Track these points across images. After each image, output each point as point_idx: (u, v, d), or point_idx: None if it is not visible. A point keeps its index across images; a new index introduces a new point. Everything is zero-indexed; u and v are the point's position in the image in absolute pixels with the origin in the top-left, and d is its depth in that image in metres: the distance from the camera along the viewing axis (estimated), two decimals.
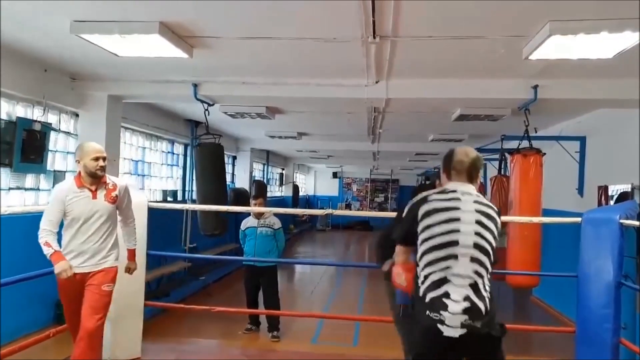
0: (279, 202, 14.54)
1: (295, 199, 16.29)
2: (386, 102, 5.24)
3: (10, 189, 4.53)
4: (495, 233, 2.27)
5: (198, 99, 5.07)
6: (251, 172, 11.23)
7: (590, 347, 3.24)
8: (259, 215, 5.16)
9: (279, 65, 4.41)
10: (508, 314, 6.74)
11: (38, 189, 4.90)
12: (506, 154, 6.06)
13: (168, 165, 7.91)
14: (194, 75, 4.82)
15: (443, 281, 2.14)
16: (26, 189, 4.73)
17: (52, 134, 4.85)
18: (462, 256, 2.15)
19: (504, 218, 4.98)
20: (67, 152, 5.29)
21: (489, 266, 2.21)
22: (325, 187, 21.09)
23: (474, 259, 2.16)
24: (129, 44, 3.56)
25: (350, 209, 19.94)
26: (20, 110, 4.56)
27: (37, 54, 4.21)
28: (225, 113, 6.16)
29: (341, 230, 18.49)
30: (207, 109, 5.33)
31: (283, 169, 16.29)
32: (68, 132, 5.26)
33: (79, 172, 3.12)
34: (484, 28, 3.29)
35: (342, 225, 18.91)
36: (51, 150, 4.95)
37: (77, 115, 5.26)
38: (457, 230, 2.16)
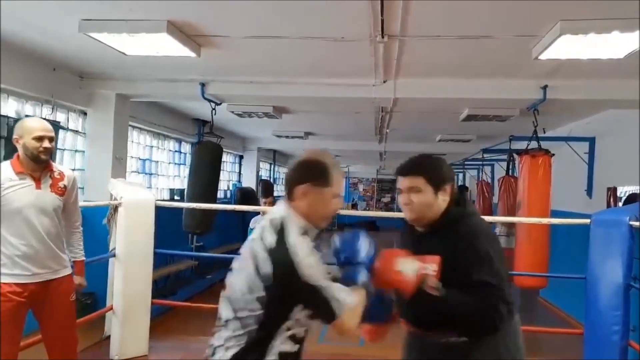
0: None
1: None
2: (394, 102, 5.23)
3: None
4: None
5: (205, 98, 5.09)
6: (258, 172, 11.24)
7: (599, 349, 3.21)
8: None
9: (287, 64, 4.41)
10: None
11: None
12: (514, 155, 6.02)
13: (175, 164, 7.94)
14: (202, 74, 4.83)
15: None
16: None
17: (61, 133, 4.87)
18: None
19: (512, 219, 5.02)
20: (76, 151, 5.31)
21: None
22: None
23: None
24: (137, 43, 3.57)
25: (357, 209, 19.91)
26: (29, 109, 4.59)
27: (46, 53, 4.23)
28: (233, 112, 6.17)
29: (347, 230, 18.50)
30: (214, 109, 5.34)
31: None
32: (76, 131, 5.29)
33: (17, 155, 2.47)
34: (493, 28, 3.27)
35: (348, 225, 18.89)
36: (60, 149, 4.98)
37: (85, 113, 5.29)
38: None
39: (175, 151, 7.94)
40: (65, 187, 2.60)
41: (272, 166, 13.75)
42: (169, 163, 7.73)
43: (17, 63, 4.13)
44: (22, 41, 3.91)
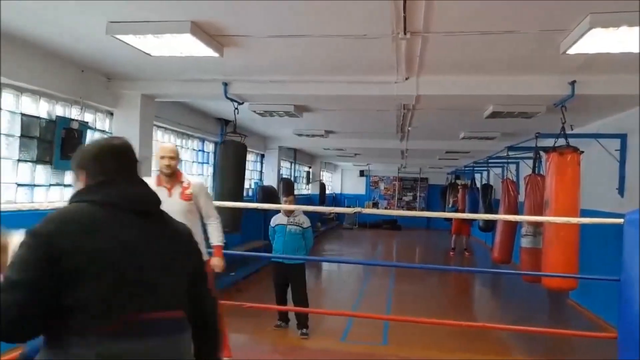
0: (306, 200, 14.57)
1: (322, 197, 16.30)
2: (416, 99, 5.17)
3: (50, 185, 4.66)
4: None
5: (228, 98, 5.12)
6: (279, 170, 11.28)
7: (635, 354, 3.11)
8: (288, 213, 5.17)
9: (308, 63, 4.40)
10: (543, 318, 6.59)
11: (75, 186, 5.03)
12: (541, 153, 5.90)
13: (199, 163, 8.02)
14: (224, 74, 4.86)
15: None
16: (65, 185, 4.86)
17: (89, 132, 4.97)
18: None
19: (540, 218, 4.91)
20: None
21: None
22: (352, 186, 21.02)
23: None
24: (162, 44, 3.61)
25: (378, 208, 19.84)
26: (59, 110, 4.70)
27: (75, 55, 4.32)
28: (254, 111, 6.19)
29: (368, 228, 18.38)
30: (236, 108, 5.37)
31: (310, 167, 16.32)
32: (103, 131, 5.39)
33: (160, 171, 3.35)
34: (519, 22, 3.20)
35: (369, 224, 18.79)
36: None
37: (111, 114, 5.38)
38: None
39: (199, 150, 8.02)
40: (191, 193, 3.32)
41: (293, 165, 13.79)
42: (193, 162, 7.81)
43: (48, 65, 4.23)
44: (53, 44, 3.99)
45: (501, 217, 6.66)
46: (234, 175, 5.56)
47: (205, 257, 3.30)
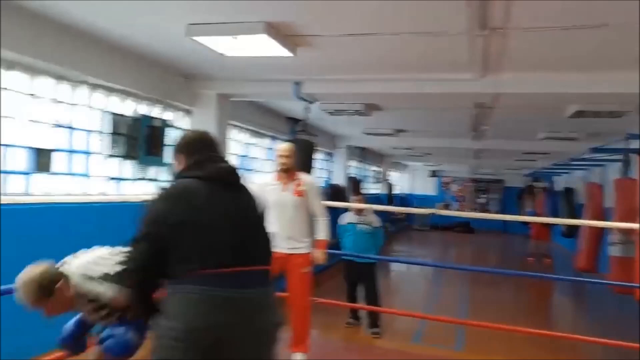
0: (374, 199, 14.46)
1: (390, 197, 16.10)
2: (493, 98, 4.98)
3: (135, 179, 5.01)
4: None
5: (299, 97, 5.20)
6: (347, 169, 11.29)
7: None
8: (358, 212, 5.16)
9: (380, 61, 4.37)
10: (635, 333, 6.07)
11: (158, 180, 5.35)
12: (631, 155, 5.45)
13: (270, 160, 8.22)
14: (296, 73, 4.95)
15: None
16: (148, 180, 5.19)
17: (169, 130, 5.26)
18: None
19: (633, 225, 4.50)
20: None
21: None
22: (422, 186, 20.59)
23: None
24: (237, 45, 3.74)
25: (449, 209, 19.27)
26: (143, 109, 5.01)
27: (157, 56, 4.59)
28: (325, 110, 6.25)
29: (439, 231, 17.91)
30: (307, 107, 5.45)
31: (378, 167, 16.18)
32: (182, 129, 5.67)
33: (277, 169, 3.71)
34: (608, 15, 2.98)
35: (440, 226, 18.32)
36: (168, 145, 5.37)
37: (189, 112, 5.66)
38: None
39: (270, 148, 8.22)
40: (303, 190, 3.61)
41: (361, 164, 13.74)
42: (264, 160, 8.03)
43: (133, 66, 4.54)
44: (137, 46, 4.28)
45: (588, 222, 6.22)
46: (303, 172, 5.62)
47: (305, 250, 3.65)
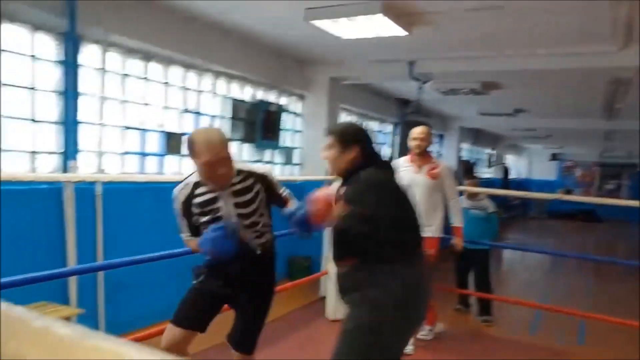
0: (487, 184, 13.75)
1: (505, 182, 15.19)
2: (633, 72, 4.43)
3: (253, 162, 5.29)
4: None
5: (413, 78, 5.09)
6: (458, 152, 10.87)
7: None
8: (472, 196, 4.96)
9: (502, 36, 4.10)
10: None
11: (273, 163, 5.61)
12: None
13: (378, 143, 8.19)
14: (410, 53, 4.83)
15: None
16: (265, 162, 5.46)
17: (284, 115, 5.46)
18: None
19: None
20: (295, 131, 5.90)
21: None
22: (541, 170, 19.11)
23: None
24: (353, 26, 3.74)
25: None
26: (260, 94, 5.26)
27: (275, 43, 4.77)
28: (437, 90, 6.05)
29: (559, 219, 16.54)
30: (420, 87, 5.31)
31: (492, 149, 15.34)
32: (295, 113, 5.86)
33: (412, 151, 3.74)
34: None
35: (560, 214, 16.91)
36: (283, 129, 5.59)
37: (302, 97, 5.81)
38: None
39: (378, 131, 8.18)
40: (438, 173, 3.60)
41: (473, 146, 13.13)
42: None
43: (252, 53, 4.77)
44: (257, 33, 4.47)
45: None
46: None
47: (433, 233, 3.58)
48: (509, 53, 4.49)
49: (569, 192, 18.13)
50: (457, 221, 3.75)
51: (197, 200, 2.12)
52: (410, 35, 3.89)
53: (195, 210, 2.13)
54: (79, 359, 0.42)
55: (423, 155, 3.64)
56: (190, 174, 2.16)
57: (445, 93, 6.22)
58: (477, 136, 12.87)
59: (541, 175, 19.01)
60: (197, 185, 2.11)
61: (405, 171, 3.57)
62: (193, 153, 1.99)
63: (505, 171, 15.49)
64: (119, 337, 0.46)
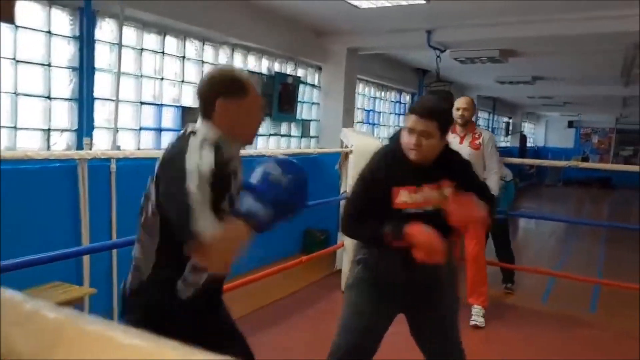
0: (505, 152, 13.61)
1: (523, 150, 15.04)
2: None
3: (269, 135, 5.30)
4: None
5: (430, 46, 5.01)
6: (476, 121, 10.75)
7: None
8: None
9: (519, 2, 4.01)
10: None
11: (290, 136, 5.62)
12: None
13: (395, 114, 8.13)
14: (428, 22, 4.75)
15: None
16: (281, 135, 5.47)
17: (301, 87, 5.43)
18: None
19: None
20: (312, 103, 5.88)
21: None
22: (558, 138, 18.82)
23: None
24: None
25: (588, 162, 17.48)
26: (276, 67, 5.22)
27: (291, 14, 4.71)
28: (455, 59, 5.95)
29: (574, 186, 16.37)
30: (438, 56, 5.24)
31: (510, 118, 15.14)
32: (313, 85, 5.83)
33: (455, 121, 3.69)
34: None
35: (575, 181, 16.75)
36: (300, 101, 5.57)
37: (319, 68, 5.77)
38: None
39: (396, 102, 8.11)
40: (480, 144, 3.61)
41: (491, 115, 12.97)
42: (390, 113, 7.96)
43: (268, 25, 4.71)
44: (273, 4, 4.41)
45: None
46: None
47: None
48: (527, 19, 4.39)
49: (585, 159, 17.90)
50: (493, 191, 3.72)
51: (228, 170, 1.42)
52: (428, 4, 3.83)
53: (226, 186, 1.41)
54: (65, 342, 0.41)
55: (466, 126, 3.63)
56: (190, 132, 1.42)
57: (463, 62, 6.12)
58: (495, 105, 12.70)
59: (558, 143, 18.76)
60: (219, 147, 1.39)
61: (450, 143, 3.57)
62: (233, 90, 1.41)
63: (523, 139, 15.32)
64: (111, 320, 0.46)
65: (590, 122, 17.89)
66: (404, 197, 1.79)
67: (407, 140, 1.79)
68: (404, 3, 3.83)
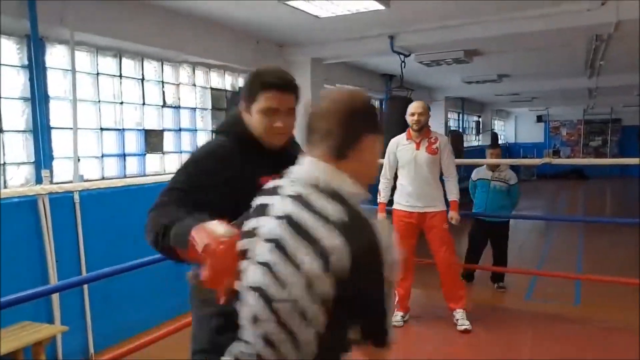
0: (478, 152, 13.79)
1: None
2: (615, 27, 4.36)
3: None
4: (312, 271, 0.96)
5: (394, 51, 4.99)
6: (446, 122, 10.82)
7: None
8: (494, 168, 4.85)
9: (478, 2, 4.01)
10: None
11: None
12: None
13: None
14: (390, 27, 4.73)
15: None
16: None
17: None
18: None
19: None
20: None
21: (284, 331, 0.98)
22: (528, 133, 19.16)
23: (256, 316, 1.02)
24: (330, 4, 3.63)
25: (559, 156, 17.82)
26: (240, 82, 5.13)
27: (252, 28, 4.64)
28: (421, 62, 5.96)
29: (548, 179, 16.66)
30: (403, 61, 5.22)
31: (479, 117, 15.33)
32: None
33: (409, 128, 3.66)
34: None
35: (549, 175, 17.05)
36: None
37: None
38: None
39: None
40: (437, 148, 3.54)
41: (461, 115, 13.10)
42: None
43: (229, 41, 4.63)
44: (232, 19, 4.33)
45: None
46: (400, 131, 5.48)
47: (441, 207, 3.60)
48: (488, 19, 4.41)
49: (556, 152, 18.25)
50: (454, 195, 3.67)
51: None
52: (387, 9, 3.79)
53: None
54: None
55: (422, 131, 3.56)
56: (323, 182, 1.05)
57: (429, 65, 6.13)
58: (464, 104, 12.84)
59: (529, 139, 19.10)
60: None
61: (406, 149, 3.56)
62: (377, 123, 1.12)
63: (494, 137, 15.51)
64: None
65: (559, 115, 18.28)
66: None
67: (267, 123, 1.40)
68: (363, 10, 3.78)
